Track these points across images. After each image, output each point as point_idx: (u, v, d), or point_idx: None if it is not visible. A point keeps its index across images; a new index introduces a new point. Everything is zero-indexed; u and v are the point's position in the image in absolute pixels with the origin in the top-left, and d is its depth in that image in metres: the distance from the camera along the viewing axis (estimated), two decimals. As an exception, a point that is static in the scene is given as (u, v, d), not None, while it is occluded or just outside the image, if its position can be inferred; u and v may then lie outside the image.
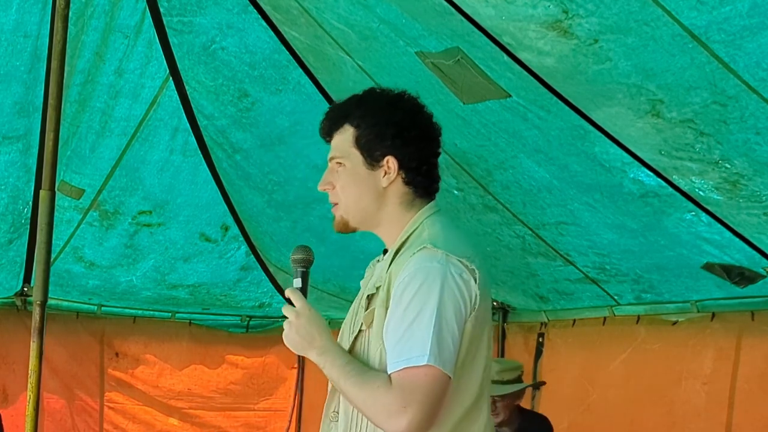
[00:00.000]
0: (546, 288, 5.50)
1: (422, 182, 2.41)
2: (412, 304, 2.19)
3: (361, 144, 2.36)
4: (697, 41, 2.88)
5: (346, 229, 2.46)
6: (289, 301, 2.33)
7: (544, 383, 5.23)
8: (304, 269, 2.39)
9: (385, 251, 2.42)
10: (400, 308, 2.21)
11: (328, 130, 2.44)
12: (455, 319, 2.21)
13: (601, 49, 3.10)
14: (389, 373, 2.20)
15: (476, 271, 2.25)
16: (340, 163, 2.39)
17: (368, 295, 2.34)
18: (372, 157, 2.36)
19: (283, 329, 2.34)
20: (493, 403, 4.84)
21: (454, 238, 2.33)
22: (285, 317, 2.33)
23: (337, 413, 2.37)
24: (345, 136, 2.39)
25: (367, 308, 2.33)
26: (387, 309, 2.26)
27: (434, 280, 2.19)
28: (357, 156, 2.37)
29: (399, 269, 2.24)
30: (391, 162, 2.36)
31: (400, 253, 2.30)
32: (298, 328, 2.29)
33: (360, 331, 2.32)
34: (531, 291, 5.62)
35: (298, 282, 2.37)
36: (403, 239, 2.34)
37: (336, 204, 2.42)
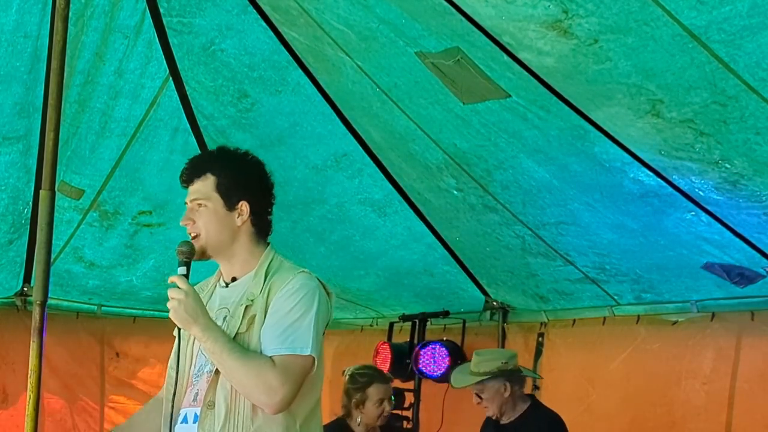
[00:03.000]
0: (546, 288, 5.50)
1: (264, 224, 3.02)
2: (296, 308, 2.81)
3: (221, 190, 2.94)
4: (697, 41, 2.88)
5: (204, 257, 2.99)
6: (175, 285, 2.86)
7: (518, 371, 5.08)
8: (188, 259, 2.93)
9: (233, 279, 3.00)
10: (283, 310, 2.81)
11: (190, 177, 2.98)
12: (322, 325, 2.86)
13: (601, 49, 3.10)
14: (271, 356, 2.76)
15: (332, 294, 2.95)
16: (200, 204, 2.94)
17: (246, 306, 2.87)
18: (230, 200, 2.95)
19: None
20: (477, 396, 4.84)
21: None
22: (170, 298, 2.85)
23: (213, 402, 2.81)
24: (206, 183, 2.95)
25: (243, 316, 2.86)
26: (266, 314, 2.83)
27: (313, 294, 2.85)
28: (218, 199, 2.94)
29: (279, 285, 2.85)
30: (244, 206, 2.95)
31: (269, 276, 2.91)
32: (186, 306, 2.81)
33: (238, 333, 2.84)
34: (531, 291, 5.62)
35: (183, 270, 2.91)
36: (265, 267, 2.94)
37: (197, 235, 2.96)
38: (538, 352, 5.85)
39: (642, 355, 5.27)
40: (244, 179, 2.97)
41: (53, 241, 3.51)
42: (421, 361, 5.94)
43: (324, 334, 2.90)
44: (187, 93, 4.85)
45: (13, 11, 4.28)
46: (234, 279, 3.00)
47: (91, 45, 4.51)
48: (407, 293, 6.19)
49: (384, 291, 6.32)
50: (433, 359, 5.94)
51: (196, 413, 2.86)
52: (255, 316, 2.85)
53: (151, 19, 4.44)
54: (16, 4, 4.26)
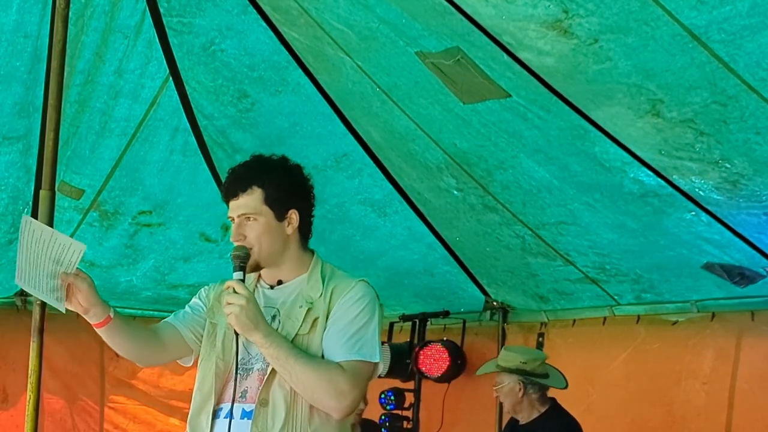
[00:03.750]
0: (546, 288, 5.50)
1: (308, 230, 3.01)
2: (361, 315, 2.85)
3: (270, 202, 2.89)
4: (697, 41, 2.88)
5: (257, 269, 2.94)
6: (233, 290, 2.77)
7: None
8: (244, 264, 2.84)
9: (279, 282, 2.97)
10: (348, 317, 2.84)
11: (234, 192, 2.92)
12: (380, 334, 2.93)
13: (601, 49, 3.10)
14: (340, 361, 2.78)
15: (382, 305, 3.02)
16: (250, 218, 2.89)
17: (307, 309, 2.87)
18: (280, 211, 2.91)
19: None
20: (495, 386, 4.87)
21: None
22: (228, 304, 2.76)
23: (267, 401, 2.79)
24: (254, 196, 2.90)
25: (303, 318, 2.86)
26: (327, 318, 2.85)
27: (374, 303, 2.93)
28: (268, 212, 2.90)
29: (341, 292, 2.89)
30: (294, 214, 2.93)
31: (326, 281, 2.94)
32: (248, 311, 2.74)
33: (297, 335, 2.84)
34: (531, 291, 5.62)
35: (239, 275, 2.82)
36: (319, 272, 2.97)
37: (250, 249, 2.89)
38: (538, 352, 5.84)
39: (642, 355, 5.26)
40: (291, 188, 2.94)
41: (53, 241, 3.50)
42: (421, 361, 5.93)
43: None
44: (187, 93, 4.85)
45: (13, 11, 4.28)
46: (280, 282, 2.98)
47: (91, 45, 4.51)
48: (407, 293, 6.19)
49: (384, 291, 6.28)
50: (433, 359, 5.94)
51: (244, 409, 2.83)
52: (317, 318, 2.85)
53: (151, 19, 4.44)
54: (16, 4, 4.26)
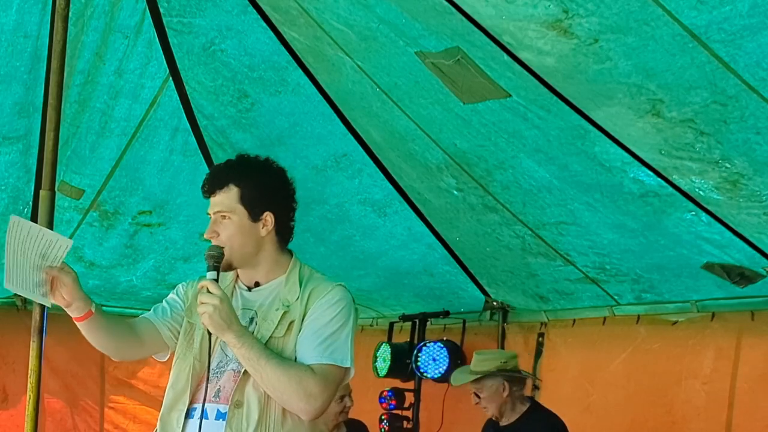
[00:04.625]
0: (546, 288, 5.50)
1: (288, 233, 3.01)
2: (335, 319, 2.86)
3: (245, 201, 2.91)
4: (697, 41, 2.88)
5: (230, 269, 2.96)
6: (207, 290, 2.82)
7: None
8: (218, 264, 2.89)
9: (257, 284, 2.98)
10: (322, 320, 2.85)
11: (212, 188, 2.95)
12: (353, 339, 2.93)
13: (601, 49, 3.10)
14: (311, 363, 2.80)
15: (357, 309, 3.02)
16: (224, 216, 2.92)
17: (283, 312, 2.88)
18: (254, 212, 2.92)
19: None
20: (476, 395, 4.86)
21: None
22: (201, 303, 2.80)
23: (241, 402, 2.82)
24: (230, 195, 2.92)
25: (279, 321, 2.87)
26: (302, 322, 2.86)
27: (350, 308, 2.91)
28: (242, 211, 2.92)
29: (318, 295, 2.89)
30: (269, 217, 2.93)
31: (304, 284, 2.93)
32: (221, 311, 2.77)
33: (272, 337, 2.86)
34: (531, 291, 5.62)
35: (213, 275, 2.86)
36: (297, 275, 2.95)
37: (223, 248, 2.92)
38: (538, 352, 5.85)
39: (642, 355, 5.26)
40: (268, 189, 2.95)
41: (53, 241, 3.50)
42: (421, 361, 5.94)
43: None
44: (187, 93, 4.85)
45: (13, 11, 4.28)
46: (257, 284, 3.00)
47: (91, 45, 4.51)
48: (407, 293, 6.20)
49: (384, 291, 6.32)
50: (433, 359, 5.95)
51: (218, 410, 2.85)
52: (293, 321, 2.87)
53: (151, 19, 4.44)
54: (16, 4, 4.26)
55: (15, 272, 2.81)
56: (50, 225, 3.41)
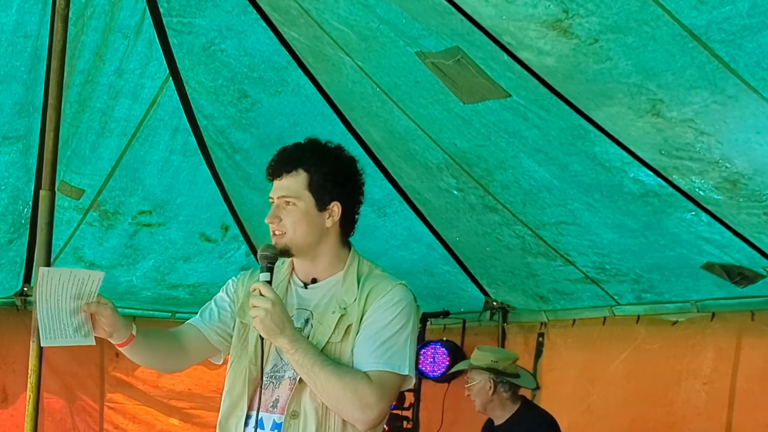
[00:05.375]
0: (546, 288, 5.50)
1: (351, 226, 2.83)
2: (394, 322, 2.70)
3: (313, 188, 2.72)
4: (697, 41, 2.88)
5: (287, 255, 2.76)
6: (259, 292, 2.63)
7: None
8: (271, 265, 2.68)
9: (314, 280, 2.80)
10: (380, 323, 2.68)
11: (279, 171, 2.75)
12: (415, 343, 2.77)
13: (601, 49, 3.10)
14: (367, 370, 2.63)
15: (419, 307, 2.90)
16: (289, 202, 2.72)
17: (340, 315, 2.71)
18: (322, 201, 2.73)
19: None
20: (467, 388, 4.92)
21: None
22: (253, 307, 2.63)
23: (298, 412, 2.66)
24: (297, 180, 2.73)
25: (336, 325, 2.70)
26: (360, 324, 2.70)
27: (410, 310, 2.78)
28: (309, 198, 2.73)
29: (376, 296, 2.73)
30: (336, 207, 2.75)
31: (362, 283, 2.76)
32: (273, 315, 2.60)
33: (329, 342, 2.69)
34: (531, 291, 5.62)
35: (266, 276, 2.66)
36: (355, 273, 2.79)
37: (283, 233, 2.73)
38: (538, 352, 5.85)
39: (642, 355, 5.26)
40: (338, 178, 2.75)
41: (53, 241, 3.51)
42: (421, 361, 5.94)
43: None
44: (187, 93, 4.85)
45: (13, 11, 4.28)
46: (314, 280, 2.81)
47: (91, 45, 4.51)
48: (407, 293, 6.19)
49: (384, 291, 6.31)
50: (433, 359, 5.95)
51: (275, 420, 2.70)
52: (351, 325, 2.70)
53: (151, 19, 4.44)
54: (16, 4, 4.26)
55: (51, 326, 2.68)
56: (50, 225, 3.41)
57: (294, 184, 2.73)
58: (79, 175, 5.23)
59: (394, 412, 6.04)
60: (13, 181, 5.19)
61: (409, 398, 6.04)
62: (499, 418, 4.82)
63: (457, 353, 6.00)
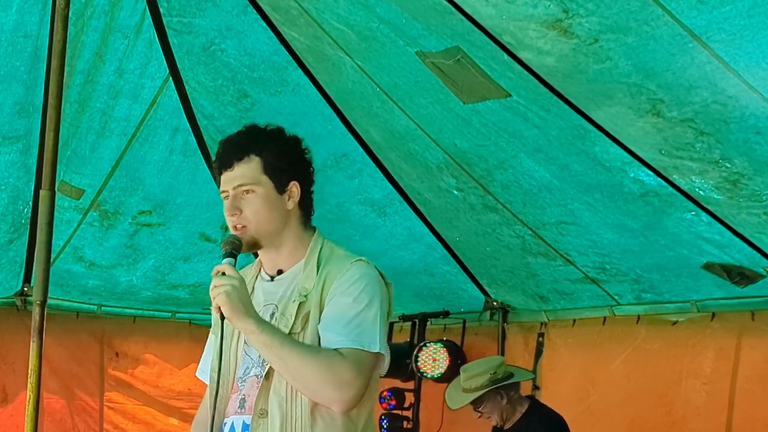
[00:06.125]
0: (546, 288, 5.50)
1: (310, 206, 2.71)
2: (359, 298, 2.53)
3: (269, 171, 2.61)
4: (697, 41, 2.88)
5: (255, 248, 2.66)
6: (223, 273, 2.50)
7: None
8: (236, 252, 2.57)
9: (279, 271, 2.68)
10: (344, 302, 2.52)
11: (229, 161, 2.63)
12: (385, 320, 2.59)
13: (601, 49, 3.10)
14: (338, 348, 2.47)
15: (390, 284, 2.68)
16: (248, 190, 2.60)
17: (300, 303, 2.57)
18: (281, 182, 2.62)
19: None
20: (476, 411, 4.85)
21: None
22: (216, 286, 2.49)
23: (266, 410, 2.51)
24: (251, 165, 2.62)
25: (296, 314, 2.56)
26: (321, 310, 2.55)
27: (375, 284, 2.59)
28: (267, 182, 2.61)
29: (335, 276, 2.57)
30: (295, 187, 2.64)
31: (321, 266, 2.61)
32: (240, 292, 2.46)
33: (291, 333, 2.54)
34: (531, 291, 5.62)
35: (230, 260, 2.54)
36: (316, 256, 2.64)
37: (244, 226, 2.61)
38: (538, 352, 5.84)
39: (642, 355, 5.26)
40: (291, 157, 2.65)
41: (53, 241, 3.50)
42: (421, 361, 5.93)
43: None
44: (187, 93, 4.85)
45: (13, 11, 4.28)
46: (280, 272, 2.68)
47: (91, 45, 4.51)
48: (407, 293, 6.19)
49: (384, 291, 6.31)
50: (433, 359, 5.94)
51: (244, 422, 2.56)
52: (309, 313, 2.55)
53: (151, 19, 4.44)
54: (16, 4, 4.26)
55: None
56: (50, 225, 3.41)
57: (248, 170, 2.61)
58: (79, 175, 5.23)
59: (394, 412, 6.05)
60: (13, 181, 5.19)
61: (409, 398, 6.04)
62: (510, 422, 4.80)
63: (457, 353, 5.99)
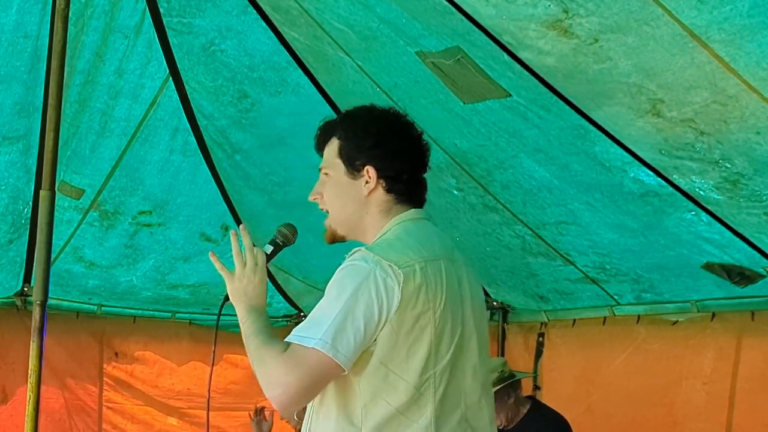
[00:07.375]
0: (546, 288, 5.50)
1: (403, 189, 2.45)
2: (329, 292, 2.26)
3: (342, 154, 2.45)
4: (697, 41, 2.88)
5: (335, 239, 2.51)
6: (255, 263, 2.44)
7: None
8: (283, 244, 2.51)
9: None
10: (323, 296, 2.29)
11: (320, 144, 2.54)
12: (363, 316, 2.22)
13: (601, 49, 3.10)
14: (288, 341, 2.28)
15: (401, 276, 2.24)
16: (326, 173, 2.48)
17: None
18: (352, 166, 2.44)
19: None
20: None
21: (405, 243, 2.34)
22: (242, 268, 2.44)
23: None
24: (332, 148, 2.49)
25: None
26: None
27: (355, 277, 2.23)
28: (340, 166, 2.45)
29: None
30: (370, 171, 2.42)
31: None
32: (258, 286, 2.41)
33: None
34: (531, 291, 5.62)
35: (269, 248, 2.48)
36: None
37: (328, 211, 2.50)
38: (539, 352, 5.84)
39: (642, 355, 5.26)
40: (366, 137, 2.43)
41: (53, 241, 3.51)
42: (421, 361, 5.92)
43: (384, 324, 2.23)
44: (187, 93, 4.85)
45: (13, 11, 4.28)
46: None
47: (91, 45, 4.51)
48: (407, 293, 6.19)
49: (384, 291, 6.30)
50: (433, 359, 5.93)
51: None
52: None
53: (151, 19, 4.44)
54: (16, 4, 4.26)
55: None
56: (50, 225, 3.41)
57: (329, 153, 2.50)
58: (79, 175, 5.23)
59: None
60: (13, 181, 5.20)
61: (409, 398, 6.03)
62: (513, 421, 4.78)
63: (457, 353, 5.98)
